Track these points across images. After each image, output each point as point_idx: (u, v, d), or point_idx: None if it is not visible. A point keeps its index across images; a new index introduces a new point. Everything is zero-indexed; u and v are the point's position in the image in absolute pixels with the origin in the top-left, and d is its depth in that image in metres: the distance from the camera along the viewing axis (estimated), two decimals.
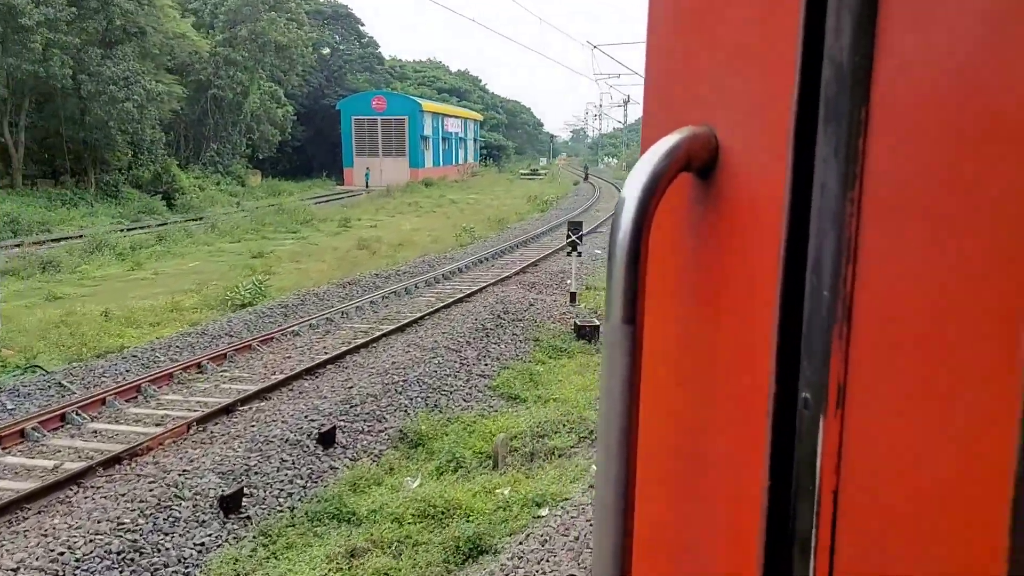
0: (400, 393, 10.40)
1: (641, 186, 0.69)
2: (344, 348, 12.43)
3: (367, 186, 56.74)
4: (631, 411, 0.68)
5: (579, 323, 14.11)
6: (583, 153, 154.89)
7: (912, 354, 0.52)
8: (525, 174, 77.85)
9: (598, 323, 14.17)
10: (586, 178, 70.80)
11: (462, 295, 16.51)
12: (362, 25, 72.62)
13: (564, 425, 9.65)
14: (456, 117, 74.52)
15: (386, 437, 9.37)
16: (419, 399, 10.37)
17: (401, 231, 30.18)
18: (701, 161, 0.73)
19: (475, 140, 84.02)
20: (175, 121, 45.05)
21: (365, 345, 12.69)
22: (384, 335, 13.26)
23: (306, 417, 9.34)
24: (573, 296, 15.67)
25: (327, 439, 8.93)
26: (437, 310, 15.15)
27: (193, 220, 32.25)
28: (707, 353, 0.77)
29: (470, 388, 11.11)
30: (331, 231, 30.24)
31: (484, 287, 17.45)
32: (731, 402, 0.72)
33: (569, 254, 15.50)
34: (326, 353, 12.24)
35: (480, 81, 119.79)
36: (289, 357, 12.21)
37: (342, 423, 9.37)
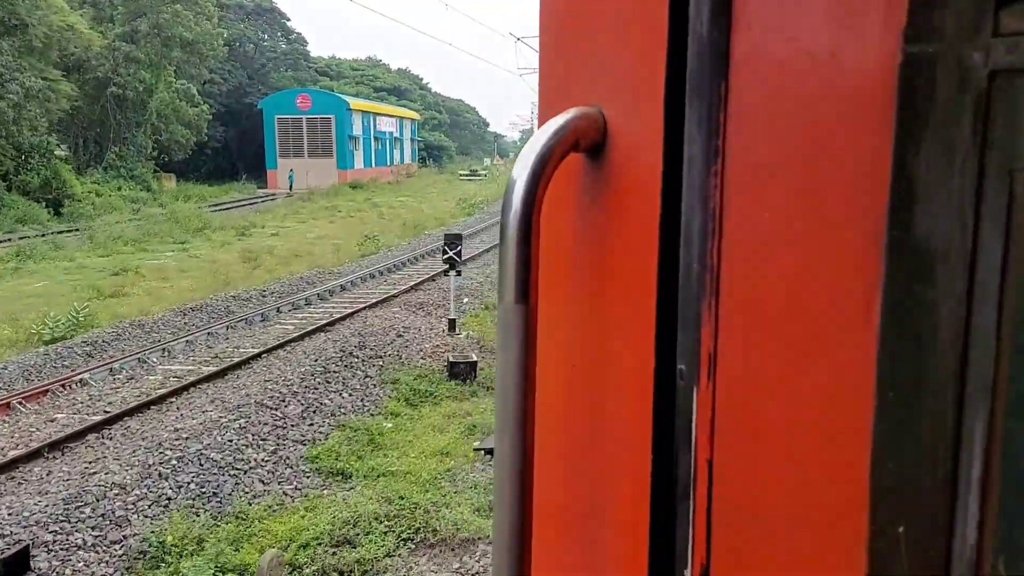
0: (166, 479, 7.58)
1: (530, 166, 0.69)
2: (121, 409, 9.54)
3: (291, 189, 53.54)
4: (526, 390, 0.69)
5: (453, 359, 11.45)
6: None
7: (775, 322, 0.54)
8: (465, 175, 75.17)
9: (476, 358, 11.54)
10: None
11: (326, 321, 13.77)
12: (288, 20, 69.13)
13: (387, 519, 6.99)
14: (390, 116, 71.46)
15: (120, 553, 6.57)
16: (192, 486, 7.56)
17: (303, 239, 27.37)
18: (590, 141, 0.73)
19: (412, 140, 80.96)
20: (72, 122, 41.46)
21: (161, 399, 9.84)
22: (193, 384, 10.42)
23: None
24: (452, 323, 12.99)
25: (14, 567, 6.12)
26: (282, 344, 12.36)
27: (70, 231, 28.89)
28: (597, 330, 0.77)
29: (276, 463, 8.33)
30: (223, 241, 27.21)
31: (359, 310, 14.72)
32: (619, 377, 0.73)
33: (447, 273, 12.81)
34: (104, 412, 9.36)
35: (421, 80, 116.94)
36: (51, 421, 9.30)
37: (54, 535, 6.55)
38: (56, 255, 23.52)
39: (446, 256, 12.26)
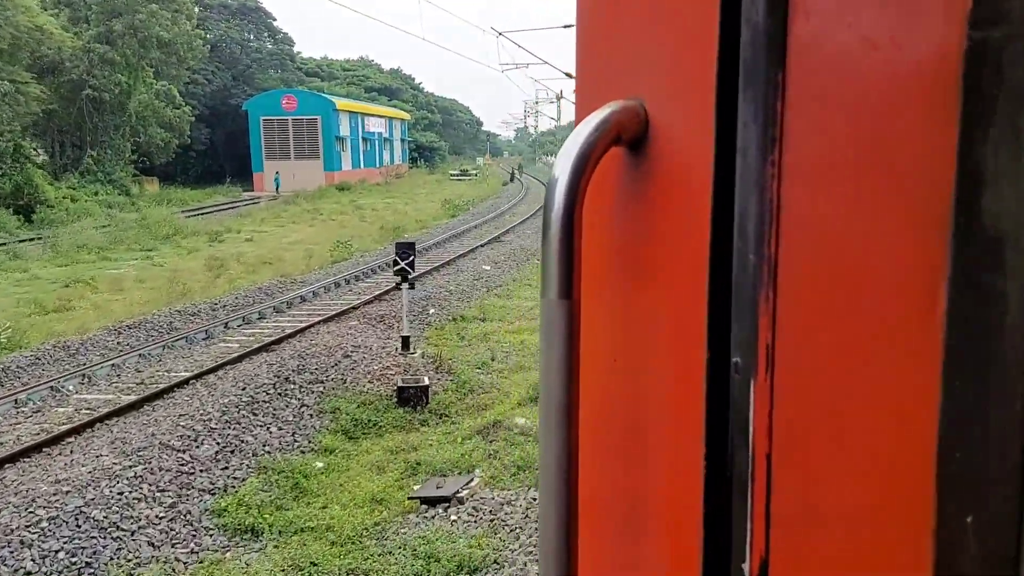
0: (28, 546, 6.34)
1: (572, 161, 0.69)
2: (3, 453, 8.27)
3: (277, 191, 52.36)
4: (571, 386, 0.69)
5: (402, 382, 10.25)
6: (526, 152, 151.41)
7: (836, 313, 0.54)
8: (455, 175, 73.94)
9: (428, 381, 10.33)
10: (512, 179, 67.30)
11: (274, 339, 12.57)
12: (274, 20, 67.90)
13: None
14: (379, 116, 70.25)
15: None
16: (61, 555, 6.31)
17: (278, 245, 26.19)
18: (631, 134, 0.73)
19: (403, 140, 79.74)
20: (49, 126, 40.28)
21: (56, 440, 8.62)
22: (99, 419, 9.20)
23: None
24: (406, 341, 11.76)
25: None
26: (217, 367, 11.15)
27: (31, 239, 27.68)
28: (643, 324, 0.77)
29: (173, 519, 7.10)
30: (192, 248, 26.02)
31: (312, 325, 13.53)
32: (668, 371, 0.73)
33: (399, 286, 11.59)
34: None
35: (413, 79, 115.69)
36: None
37: None
38: (11, 265, 22.32)
39: (397, 268, 11.05)
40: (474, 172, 75.48)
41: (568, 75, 32.97)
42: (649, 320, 0.76)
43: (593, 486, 0.81)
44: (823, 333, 0.55)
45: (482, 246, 24.35)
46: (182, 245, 26.61)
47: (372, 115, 68.02)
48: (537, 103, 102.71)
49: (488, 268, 20.44)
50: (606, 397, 0.84)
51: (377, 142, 68.91)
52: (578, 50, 0.92)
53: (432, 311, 15.37)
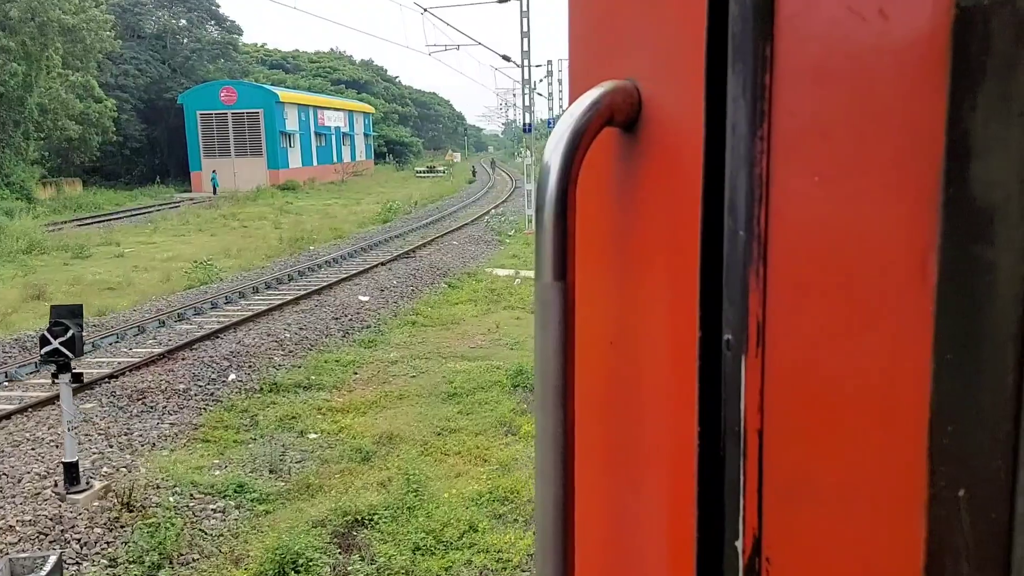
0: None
1: (565, 143, 0.69)
2: None
3: (215, 192, 47.75)
4: (566, 367, 0.69)
5: (12, 559, 5.65)
6: (508, 146, 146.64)
7: (826, 288, 0.54)
8: (422, 172, 69.33)
9: (56, 555, 5.72)
10: (475, 174, 62.87)
11: None
12: (217, 7, 62.96)
13: None
14: (337, 110, 65.55)
15: None
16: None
17: (146, 263, 21.62)
18: (624, 115, 0.73)
19: (367, 135, 75.05)
20: None
21: None
22: None
23: None
24: (72, 471, 7.06)
25: None
26: None
27: None
28: (637, 304, 0.77)
29: None
30: (36, 266, 21.41)
31: (13, 413, 8.94)
32: (662, 350, 0.73)
33: (54, 379, 6.92)
34: None
35: (385, 71, 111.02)
36: None
37: None
38: None
39: (47, 349, 6.45)
40: (442, 169, 70.82)
41: (505, 57, 28.96)
42: (643, 300, 0.76)
43: (590, 466, 0.82)
44: (814, 308, 0.54)
45: (384, 263, 19.78)
46: (28, 264, 21.98)
47: (328, 108, 63.32)
48: (515, 95, 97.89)
49: (366, 299, 15.84)
50: (601, 378, 0.84)
51: (334, 137, 64.22)
52: (570, 31, 0.91)
53: (232, 376, 10.79)
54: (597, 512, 0.86)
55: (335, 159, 63.53)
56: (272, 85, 59.46)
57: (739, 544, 0.62)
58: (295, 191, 49.72)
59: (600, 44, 0.85)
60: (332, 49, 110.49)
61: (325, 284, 16.82)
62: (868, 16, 0.49)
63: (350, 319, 14.30)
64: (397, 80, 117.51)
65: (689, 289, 0.65)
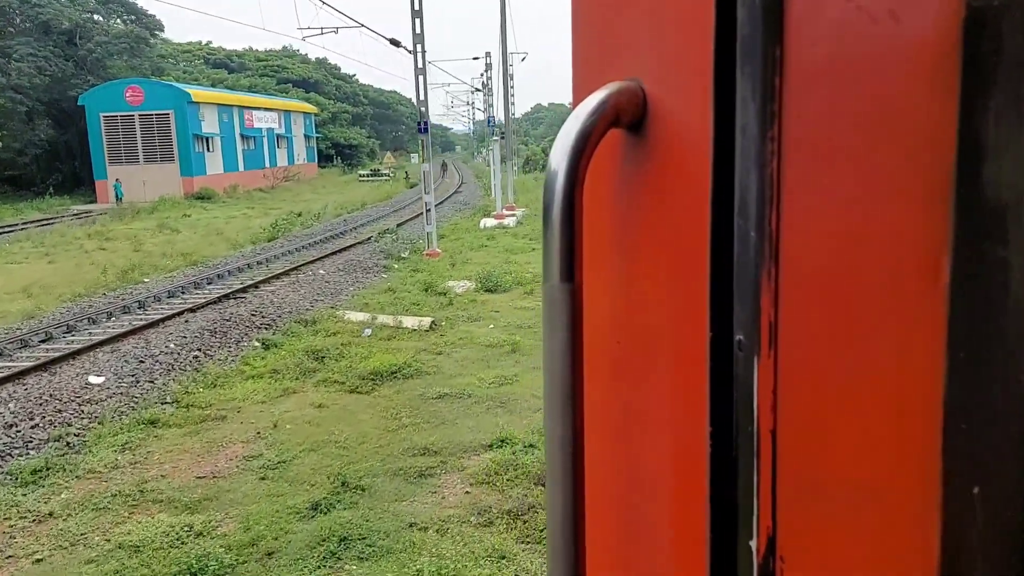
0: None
1: (571, 144, 0.69)
2: None
3: (119, 202, 42.60)
4: (575, 369, 0.69)
5: None
6: (472, 147, 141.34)
7: (838, 288, 0.54)
8: (365, 176, 64.31)
9: None
10: (407, 177, 58.03)
11: None
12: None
13: None
14: (269, 110, 60.34)
15: None
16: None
17: None
18: (630, 115, 0.73)
19: (308, 137, 69.83)
20: None
21: None
22: None
23: None
24: None
25: None
26: None
27: None
28: (646, 305, 0.77)
29: None
30: None
31: None
32: (672, 351, 0.73)
33: None
34: None
35: (339, 69, 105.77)
36: None
37: None
38: None
39: None
40: (387, 173, 65.82)
41: (394, 42, 24.30)
42: (652, 301, 0.76)
43: (599, 468, 0.81)
44: (826, 308, 0.54)
45: (197, 309, 14.85)
46: None
47: (258, 108, 58.11)
48: (476, 92, 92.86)
49: (100, 380, 10.87)
50: (610, 379, 0.84)
51: (266, 140, 59.02)
52: (574, 31, 0.90)
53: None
54: (608, 513, 0.86)
55: (267, 163, 58.35)
56: (189, 84, 54.06)
57: (753, 543, 0.62)
58: (210, 200, 44.65)
59: (604, 45, 0.84)
60: (286, 47, 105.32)
61: (68, 351, 11.83)
62: (878, 17, 0.49)
63: (35, 424, 9.34)
64: (354, 78, 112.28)
65: (699, 290, 0.65)
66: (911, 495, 0.49)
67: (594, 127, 0.69)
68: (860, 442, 0.52)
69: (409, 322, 14.09)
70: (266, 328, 13.93)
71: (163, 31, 60.94)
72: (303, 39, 27.05)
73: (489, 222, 28.43)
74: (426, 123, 21.89)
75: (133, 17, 57.92)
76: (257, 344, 13.03)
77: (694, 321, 0.66)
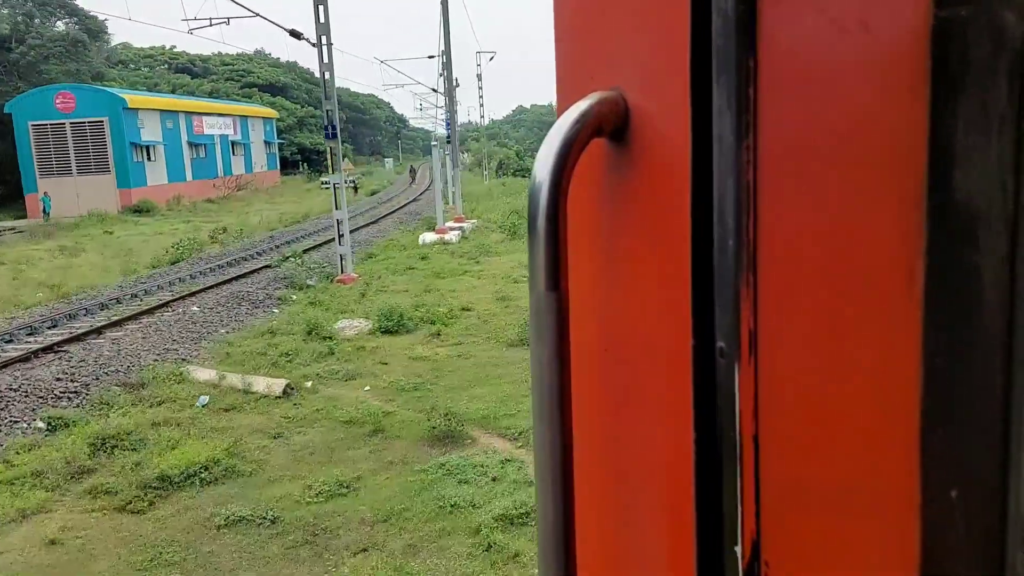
0: None
1: (555, 154, 0.70)
2: None
3: (46, 218, 39.24)
4: (562, 377, 0.70)
5: None
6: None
7: (816, 295, 0.54)
8: (328, 184, 60.96)
9: None
10: (356, 191, 54.73)
11: None
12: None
13: None
14: (222, 115, 56.95)
15: None
16: None
17: None
18: (612, 125, 0.73)
19: (267, 143, 66.40)
20: None
21: None
22: None
23: None
24: None
25: None
26: None
27: None
28: (631, 313, 0.78)
29: None
30: None
31: None
32: (656, 359, 0.74)
33: None
34: None
35: (311, 73, 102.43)
36: None
37: None
38: None
39: None
40: (353, 179, 62.52)
41: (294, 33, 21.14)
42: (637, 309, 0.76)
43: (587, 476, 0.81)
44: (804, 315, 0.55)
45: None
46: None
47: (209, 114, 54.71)
48: (436, 90, 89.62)
49: None
50: (597, 387, 0.84)
51: (219, 147, 55.61)
52: (557, 41, 0.90)
53: None
54: (597, 520, 0.86)
55: (220, 172, 54.94)
56: (124, 90, 50.59)
57: (738, 549, 0.63)
58: (148, 213, 41.30)
59: (586, 55, 0.84)
60: (258, 50, 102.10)
61: None
62: (849, 27, 0.50)
63: None
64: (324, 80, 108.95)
65: (681, 297, 0.66)
66: (891, 499, 0.49)
67: (577, 136, 0.69)
68: (840, 447, 0.53)
69: (260, 385, 10.82)
70: (69, 397, 10.65)
71: (107, 33, 57.33)
72: (189, 31, 23.79)
73: (429, 237, 25.20)
74: (334, 127, 18.63)
75: (76, 20, 54.46)
76: (41, 425, 9.76)
77: (677, 329, 0.67)
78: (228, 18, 23.56)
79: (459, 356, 12.31)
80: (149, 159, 46.04)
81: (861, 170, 0.50)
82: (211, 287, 18.02)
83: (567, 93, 0.85)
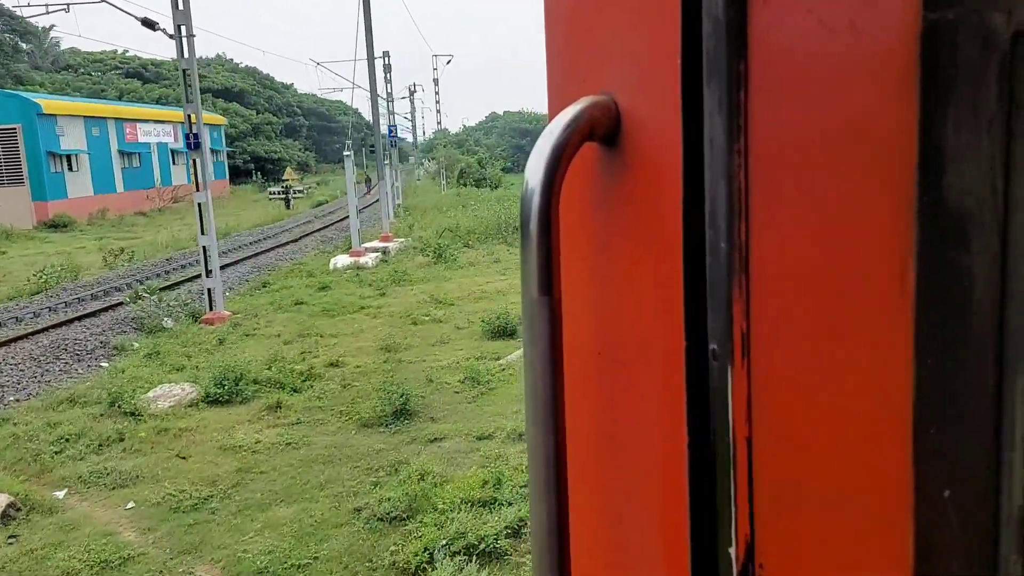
0: None
1: (546, 158, 0.70)
2: None
3: None
4: (555, 381, 0.70)
5: None
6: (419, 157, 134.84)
7: (808, 296, 0.54)
8: (276, 194, 57.59)
9: None
10: (288, 204, 51.33)
11: None
12: None
13: None
14: (161, 122, 53.43)
15: None
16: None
17: None
18: (604, 129, 0.74)
19: (215, 151, 62.83)
20: None
21: None
22: None
23: None
24: None
25: None
26: None
27: None
28: (624, 316, 0.78)
29: None
30: None
31: None
32: (650, 362, 0.74)
33: None
34: None
35: (272, 79, 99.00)
36: None
37: None
38: None
39: None
40: (302, 189, 59.20)
41: (147, 23, 18.02)
42: (629, 312, 0.76)
43: (581, 478, 0.81)
44: (796, 317, 0.55)
45: None
46: None
47: (145, 120, 51.21)
48: (392, 97, 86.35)
49: None
50: (590, 390, 0.84)
51: (157, 156, 52.11)
52: (548, 46, 0.90)
53: None
54: (591, 523, 0.86)
55: (158, 182, 51.39)
56: (37, 94, 47.04)
57: (732, 551, 0.63)
58: (66, 229, 37.80)
59: (578, 60, 0.84)
60: (219, 55, 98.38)
61: None
62: (839, 29, 0.50)
63: None
64: (292, 87, 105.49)
65: (674, 300, 0.66)
66: (884, 499, 0.49)
67: (569, 140, 0.69)
68: (833, 448, 0.53)
69: None
70: None
71: (43, 36, 53.66)
72: (22, 18, 20.49)
73: (342, 260, 21.92)
74: (196, 136, 15.41)
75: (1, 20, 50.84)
76: None
77: (670, 331, 0.67)
78: (68, 4, 20.26)
79: (287, 444, 9.14)
80: (71, 169, 42.46)
81: (852, 172, 0.49)
82: (38, 331, 14.72)
83: (558, 98, 0.84)
